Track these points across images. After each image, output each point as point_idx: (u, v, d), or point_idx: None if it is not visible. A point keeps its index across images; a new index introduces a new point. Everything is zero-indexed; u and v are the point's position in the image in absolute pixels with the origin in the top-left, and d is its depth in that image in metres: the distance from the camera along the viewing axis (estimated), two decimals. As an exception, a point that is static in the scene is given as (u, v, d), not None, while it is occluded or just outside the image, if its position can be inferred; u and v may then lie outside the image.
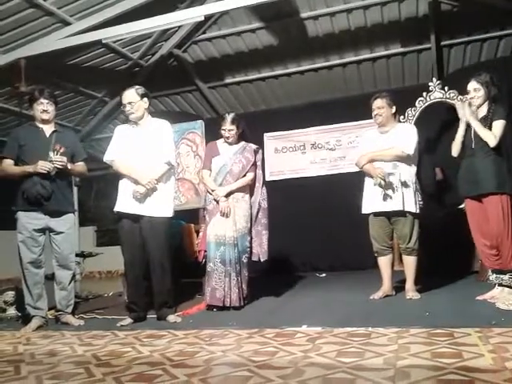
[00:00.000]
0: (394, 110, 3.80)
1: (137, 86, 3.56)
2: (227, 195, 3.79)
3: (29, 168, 3.38)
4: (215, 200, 3.81)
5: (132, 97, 3.48)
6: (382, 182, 3.60)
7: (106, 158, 3.57)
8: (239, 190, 3.83)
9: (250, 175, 3.88)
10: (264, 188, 4.01)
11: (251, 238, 3.87)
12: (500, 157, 3.36)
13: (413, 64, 6.46)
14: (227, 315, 3.55)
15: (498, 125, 3.31)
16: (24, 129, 3.62)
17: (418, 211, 3.69)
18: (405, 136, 3.74)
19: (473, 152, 3.41)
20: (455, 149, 3.55)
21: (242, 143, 3.97)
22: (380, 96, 3.80)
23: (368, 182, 3.81)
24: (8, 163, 3.47)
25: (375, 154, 3.73)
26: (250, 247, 3.86)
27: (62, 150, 3.43)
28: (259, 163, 3.99)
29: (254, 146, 3.97)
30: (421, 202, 3.77)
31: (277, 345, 2.50)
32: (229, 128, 3.89)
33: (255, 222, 3.93)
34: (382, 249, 3.81)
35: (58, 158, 3.41)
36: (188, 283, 4.50)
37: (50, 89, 3.67)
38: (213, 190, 3.83)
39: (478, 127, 3.35)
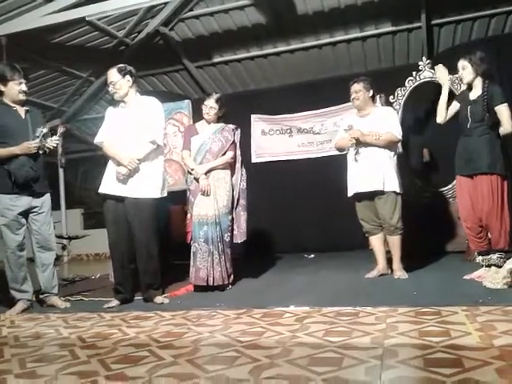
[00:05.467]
0: (371, 93, 3.84)
1: (120, 65, 3.46)
2: (207, 173, 3.76)
3: (15, 149, 3.25)
4: (195, 179, 3.78)
5: (113, 76, 3.40)
6: (355, 143, 3.69)
7: (96, 140, 3.52)
8: (220, 169, 3.81)
9: (230, 153, 3.85)
10: (243, 169, 3.97)
11: (233, 218, 3.85)
12: (495, 137, 3.33)
13: (403, 43, 6.41)
14: (215, 296, 3.53)
15: (503, 109, 3.27)
16: None
17: (399, 191, 3.70)
18: (388, 120, 3.74)
19: (469, 131, 3.38)
20: (440, 115, 3.54)
21: (221, 124, 3.92)
22: (357, 80, 3.85)
23: (350, 165, 3.82)
24: None
25: (368, 137, 3.67)
26: (232, 227, 3.84)
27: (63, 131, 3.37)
28: (238, 143, 3.94)
29: (232, 126, 3.93)
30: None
31: (264, 325, 2.49)
32: (211, 105, 3.86)
33: (236, 203, 3.90)
34: (371, 228, 3.84)
35: (55, 140, 3.33)
36: (178, 265, 4.47)
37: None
38: (192, 169, 3.81)
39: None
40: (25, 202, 3.36)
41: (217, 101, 3.87)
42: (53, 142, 3.33)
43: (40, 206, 3.44)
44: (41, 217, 3.44)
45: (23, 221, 3.39)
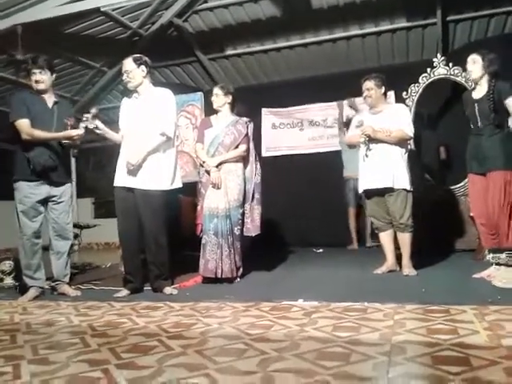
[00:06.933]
0: (383, 90, 3.81)
1: (136, 55, 3.48)
2: (219, 166, 3.78)
3: (58, 135, 3.35)
4: (207, 172, 3.81)
5: (128, 65, 3.42)
6: (366, 139, 3.66)
7: None
8: (231, 161, 3.82)
9: (243, 147, 3.86)
10: (258, 163, 3.98)
11: (244, 211, 3.86)
12: (505, 135, 3.31)
13: (418, 39, 6.35)
14: (224, 288, 3.56)
15: None
16: (27, 95, 3.44)
17: (410, 188, 3.70)
18: (400, 117, 3.73)
19: (479, 130, 3.36)
20: None
21: (235, 117, 3.94)
22: (369, 77, 3.82)
23: (361, 162, 3.82)
24: (28, 126, 3.31)
25: (381, 134, 3.67)
26: (243, 220, 3.86)
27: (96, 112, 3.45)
28: (251, 136, 3.95)
29: (245, 119, 3.94)
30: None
31: (273, 318, 2.50)
32: (215, 92, 3.91)
33: (251, 197, 3.91)
34: (381, 224, 3.85)
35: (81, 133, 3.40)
36: (188, 256, 4.50)
37: (47, 56, 3.54)
38: (204, 162, 3.83)
39: None
40: (44, 190, 3.41)
41: (222, 87, 3.93)
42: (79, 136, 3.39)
43: (59, 195, 3.49)
44: (60, 206, 3.50)
45: (41, 209, 3.44)
